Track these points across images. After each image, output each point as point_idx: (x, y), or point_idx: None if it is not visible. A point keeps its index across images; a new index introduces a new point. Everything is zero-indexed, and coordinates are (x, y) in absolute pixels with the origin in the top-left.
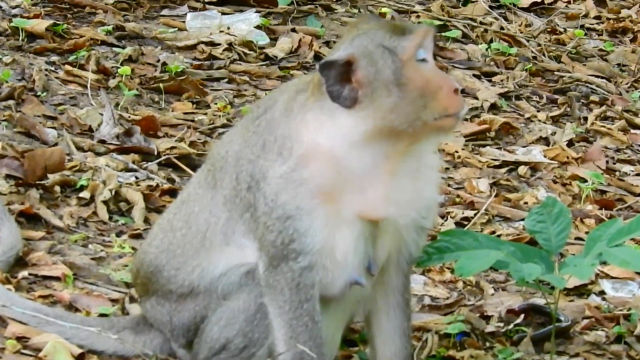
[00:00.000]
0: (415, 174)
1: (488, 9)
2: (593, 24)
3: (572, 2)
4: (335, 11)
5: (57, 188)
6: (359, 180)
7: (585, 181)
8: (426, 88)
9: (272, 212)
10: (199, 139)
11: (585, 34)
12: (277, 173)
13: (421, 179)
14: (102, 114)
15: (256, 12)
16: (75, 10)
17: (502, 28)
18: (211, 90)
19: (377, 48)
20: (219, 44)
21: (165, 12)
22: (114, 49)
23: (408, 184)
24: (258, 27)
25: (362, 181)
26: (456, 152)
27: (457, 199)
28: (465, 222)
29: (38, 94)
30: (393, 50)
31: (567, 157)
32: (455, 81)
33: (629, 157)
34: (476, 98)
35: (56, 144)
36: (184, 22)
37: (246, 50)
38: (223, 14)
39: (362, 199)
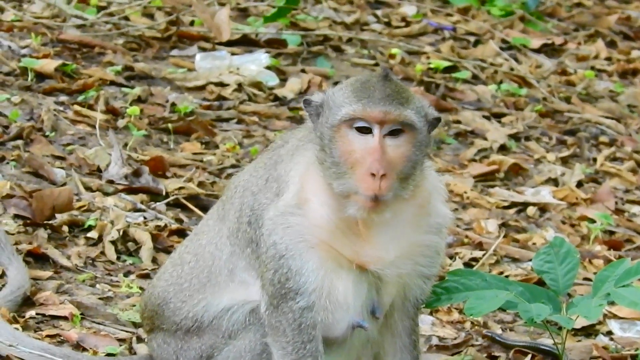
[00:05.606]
0: (401, 227)
1: (498, 50)
2: (603, 65)
3: (582, 43)
4: (345, 52)
5: (65, 228)
6: (343, 231)
7: (594, 222)
8: (347, 158)
9: (267, 250)
10: (208, 180)
11: (596, 75)
12: (270, 214)
13: (409, 229)
14: (110, 154)
15: (266, 52)
16: (84, 50)
17: (512, 69)
18: (220, 130)
19: (330, 100)
20: (228, 85)
21: (174, 52)
22: (123, 89)
23: (394, 237)
24: (268, 67)
25: (347, 232)
26: (465, 192)
27: (466, 240)
28: (474, 263)
29: (47, 133)
30: (335, 108)
31: (576, 198)
32: (381, 167)
33: (638, 197)
34: (485, 139)
35: (64, 184)
36: (193, 62)
37: (255, 91)
38: (233, 54)
39: (352, 250)
